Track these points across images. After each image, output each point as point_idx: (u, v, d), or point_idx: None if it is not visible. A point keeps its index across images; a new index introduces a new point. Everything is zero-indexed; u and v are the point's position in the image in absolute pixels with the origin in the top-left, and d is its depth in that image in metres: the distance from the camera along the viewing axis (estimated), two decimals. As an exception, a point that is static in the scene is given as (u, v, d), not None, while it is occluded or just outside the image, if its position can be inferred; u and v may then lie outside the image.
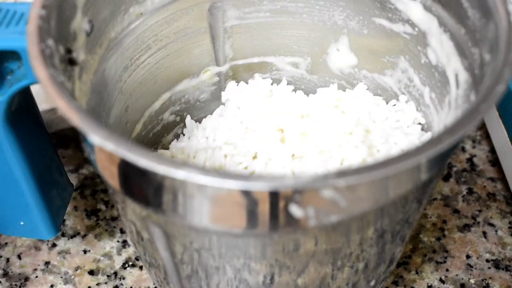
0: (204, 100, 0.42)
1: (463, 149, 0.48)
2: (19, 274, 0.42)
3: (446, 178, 0.46)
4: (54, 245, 0.43)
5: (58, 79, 0.26)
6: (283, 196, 0.24)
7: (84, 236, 0.43)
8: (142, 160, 0.23)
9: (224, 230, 0.27)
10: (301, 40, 0.41)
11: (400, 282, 0.41)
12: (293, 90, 0.41)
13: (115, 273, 0.41)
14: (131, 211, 0.30)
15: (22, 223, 0.36)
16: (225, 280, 0.31)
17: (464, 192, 0.46)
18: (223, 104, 0.41)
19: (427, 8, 0.34)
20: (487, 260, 0.42)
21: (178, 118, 0.42)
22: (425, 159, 0.24)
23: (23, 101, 0.32)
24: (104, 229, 0.44)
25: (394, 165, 0.23)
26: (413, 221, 0.32)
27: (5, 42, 0.29)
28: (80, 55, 0.30)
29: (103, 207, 0.45)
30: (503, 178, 0.46)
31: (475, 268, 0.42)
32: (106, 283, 0.41)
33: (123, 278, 0.41)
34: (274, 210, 0.25)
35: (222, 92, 0.41)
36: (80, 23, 0.31)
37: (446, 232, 0.43)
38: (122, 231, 0.43)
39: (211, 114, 0.41)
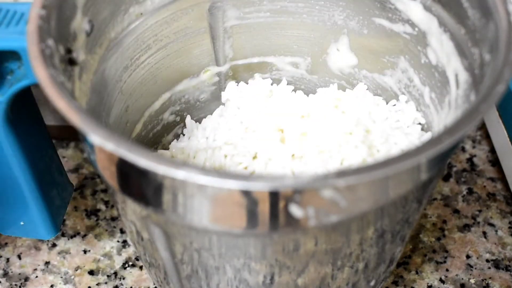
0: (204, 100, 0.42)
1: (463, 149, 0.48)
2: (19, 274, 0.42)
3: (446, 178, 0.46)
4: (54, 245, 0.43)
5: (58, 79, 0.26)
6: (283, 196, 0.24)
7: (84, 236, 0.43)
8: (142, 160, 0.23)
9: (224, 230, 0.27)
10: (301, 40, 0.41)
11: (400, 282, 0.41)
12: (293, 90, 0.41)
13: (115, 273, 0.41)
14: (131, 211, 0.30)
15: (22, 223, 0.36)
16: (225, 280, 0.31)
17: (464, 192, 0.46)
18: (223, 104, 0.41)
19: (427, 8, 0.34)
20: (487, 260, 0.42)
21: (178, 118, 0.42)
22: (425, 159, 0.24)
23: (23, 101, 0.32)
24: (104, 229, 0.44)
25: (394, 165, 0.23)
26: (413, 221, 0.32)
27: (5, 42, 0.29)
28: (80, 55, 0.30)
29: (103, 207, 0.45)
30: (503, 178, 0.46)
31: (475, 268, 0.42)
32: (106, 283, 0.41)
33: (123, 278, 0.41)
34: (274, 210, 0.25)
35: (222, 92, 0.41)
36: (80, 23, 0.31)
37: (446, 232, 0.43)
38: (122, 231, 0.43)
39: (211, 114, 0.41)
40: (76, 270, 0.42)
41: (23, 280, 0.41)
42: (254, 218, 0.25)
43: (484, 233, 0.43)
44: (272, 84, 0.41)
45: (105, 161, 0.27)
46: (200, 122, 0.41)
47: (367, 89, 0.40)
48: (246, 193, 0.24)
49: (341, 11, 0.38)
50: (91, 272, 0.42)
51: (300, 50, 0.41)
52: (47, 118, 0.40)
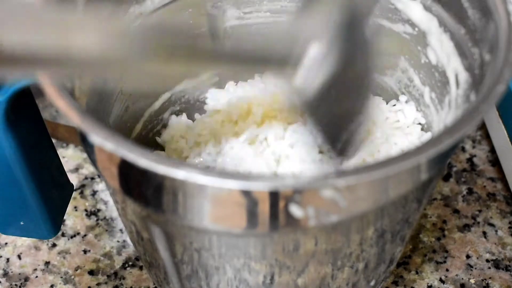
0: (204, 100, 0.42)
1: (463, 149, 0.48)
2: (19, 274, 0.41)
3: (446, 178, 0.46)
4: (54, 245, 0.43)
5: (58, 79, 0.26)
6: (283, 196, 0.24)
7: (84, 236, 0.43)
8: (142, 160, 0.23)
9: (224, 230, 0.27)
10: (301, 40, 0.41)
11: (400, 282, 0.41)
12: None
13: (115, 273, 0.41)
14: (131, 211, 0.30)
15: (22, 223, 0.36)
16: (225, 280, 0.31)
17: (464, 192, 0.46)
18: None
19: (427, 8, 0.34)
20: (487, 260, 0.42)
21: (178, 118, 0.42)
22: (425, 159, 0.24)
23: (23, 101, 0.32)
24: (104, 229, 0.44)
25: (394, 165, 0.23)
26: (413, 221, 0.32)
27: (5, 42, 0.29)
28: (80, 55, 0.30)
29: (103, 207, 0.45)
30: (503, 178, 0.46)
31: (475, 268, 0.42)
32: (106, 283, 0.41)
33: (123, 278, 0.41)
34: (274, 210, 0.25)
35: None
36: (80, 23, 0.31)
37: (446, 232, 0.43)
38: (122, 231, 0.43)
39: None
40: (76, 270, 0.42)
41: (23, 280, 0.41)
42: (254, 218, 0.25)
43: (484, 233, 0.43)
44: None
45: (105, 161, 0.27)
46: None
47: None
48: (246, 193, 0.24)
49: (341, 11, 0.38)
50: (91, 272, 0.42)
51: (300, 50, 0.41)
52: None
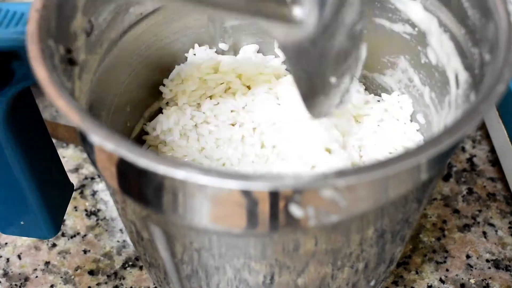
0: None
1: (463, 149, 0.48)
2: (19, 274, 0.41)
3: (446, 178, 0.46)
4: (54, 245, 0.43)
5: (58, 79, 0.26)
6: (283, 196, 0.24)
7: (84, 236, 0.43)
8: (142, 160, 0.23)
9: (224, 230, 0.27)
10: (301, 40, 0.41)
11: (400, 282, 0.41)
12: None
13: (115, 273, 0.41)
14: (131, 211, 0.30)
15: (22, 223, 0.36)
16: (225, 280, 0.31)
17: (464, 192, 0.46)
18: None
19: (427, 8, 0.34)
20: (487, 260, 0.42)
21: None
22: (425, 159, 0.24)
23: (23, 101, 0.32)
24: (104, 229, 0.44)
25: (394, 165, 0.23)
26: (413, 221, 0.32)
27: (5, 42, 0.29)
28: (80, 55, 0.30)
29: (103, 207, 0.45)
30: (503, 178, 0.46)
31: (475, 268, 0.42)
32: (106, 283, 0.41)
33: (123, 278, 0.41)
34: (274, 210, 0.25)
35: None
36: (80, 23, 0.31)
37: (446, 232, 0.43)
38: (122, 231, 0.43)
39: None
40: (76, 270, 0.42)
41: (23, 280, 0.41)
42: (254, 218, 0.25)
43: (484, 233, 0.43)
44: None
45: (105, 161, 0.27)
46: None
47: (365, 89, 0.41)
48: (246, 193, 0.24)
49: (341, 11, 0.38)
50: (91, 272, 0.42)
51: (300, 50, 0.41)
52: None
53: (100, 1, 0.32)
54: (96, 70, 0.32)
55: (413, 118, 0.38)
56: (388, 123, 0.38)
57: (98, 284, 0.41)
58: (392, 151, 0.37)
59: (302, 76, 0.30)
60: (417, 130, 0.38)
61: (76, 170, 0.47)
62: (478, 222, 0.44)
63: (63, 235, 0.43)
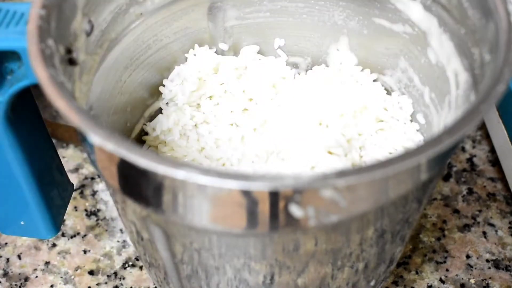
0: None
1: (463, 149, 0.48)
2: (19, 274, 0.41)
3: (446, 178, 0.46)
4: (54, 245, 0.43)
5: (58, 79, 0.26)
6: (283, 196, 0.24)
7: (84, 236, 0.43)
8: (142, 160, 0.23)
9: (224, 230, 0.27)
10: (301, 40, 0.41)
11: (400, 282, 0.41)
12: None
13: (115, 273, 0.41)
14: (131, 211, 0.30)
15: (22, 222, 0.36)
16: (225, 280, 0.31)
17: (464, 192, 0.46)
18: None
19: (427, 8, 0.34)
20: (487, 260, 0.42)
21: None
22: (425, 159, 0.24)
23: (23, 101, 0.32)
24: (104, 229, 0.44)
25: (394, 165, 0.23)
26: (413, 221, 0.32)
27: (5, 42, 0.29)
28: (80, 55, 0.30)
29: (103, 207, 0.45)
30: (503, 178, 0.46)
31: (475, 268, 0.42)
32: (106, 283, 0.41)
33: (123, 278, 0.41)
34: (274, 210, 0.25)
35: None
36: (80, 23, 0.31)
37: (446, 232, 0.43)
38: (122, 231, 0.43)
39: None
40: (76, 270, 0.42)
41: (23, 280, 0.41)
42: (254, 218, 0.25)
43: (484, 233, 0.43)
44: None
45: (105, 161, 0.27)
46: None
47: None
48: (246, 193, 0.24)
49: (341, 11, 0.38)
50: (91, 272, 0.42)
51: (300, 50, 0.41)
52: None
53: (100, 1, 0.32)
54: (96, 70, 0.32)
55: (413, 118, 0.38)
56: (388, 123, 0.38)
57: (98, 284, 0.41)
58: (392, 151, 0.37)
59: None
60: (417, 130, 0.38)
61: (76, 170, 0.47)
62: (478, 222, 0.44)
63: (63, 235, 0.43)
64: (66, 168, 0.37)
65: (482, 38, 0.30)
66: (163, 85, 0.39)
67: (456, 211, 0.45)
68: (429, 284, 0.41)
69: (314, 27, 0.40)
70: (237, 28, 0.40)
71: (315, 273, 0.31)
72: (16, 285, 0.41)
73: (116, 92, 0.36)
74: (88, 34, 0.31)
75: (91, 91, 0.32)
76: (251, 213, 0.25)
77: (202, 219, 0.26)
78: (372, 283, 0.35)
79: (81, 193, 0.46)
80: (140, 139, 0.39)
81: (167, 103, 0.39)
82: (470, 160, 0.48)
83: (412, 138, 0.37)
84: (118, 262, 0.42)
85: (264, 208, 0.25)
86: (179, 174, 0.23)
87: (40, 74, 0.26)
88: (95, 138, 0.24)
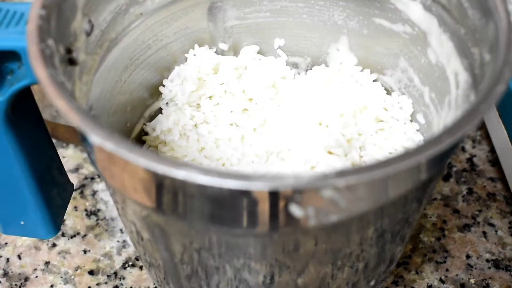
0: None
1: (463, 149, 0.48)
2: (19, 274, 0.42)
3: (446, 178, 0.46)
4: (54, 245, 0.43)
5: (58, 79, 0.26)
6: (283, 196, 0.24)
7: (84, 236, 0.43)
8: (142, 160, 0.23)
9: (224, 230, 0.27)
10: (301, 40, 0.41)
11: (400, 282, 0.41)
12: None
13: (115, 273, 0.41)
14: (131, 211, 0.30)
15: (22, 222, 0.36)
16: (225, 280, 0.31)
17: (464, 192, 0.46)
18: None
19: (427, 8, 0.34)
20: (487, 260, 0.42)
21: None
22: (425, 159, 0.24)
23: (23, 101, 0.32)
24: (104, 229, 0.44)
25: (394, 165, 0.23)
26: (413, 221, 0.32)
27: (5, 42, 0.29)
28: (80, 55, 0.30)
29: (103, 207, 0.45)
30: (503, 178, 0.46)
31: (475, 268, 0.42)
32: (106, 283, 0.41)
33: (123, 278, 0.41)
34: (274, 210, 0.25)
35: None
36: (80, 23, 0.31)
37: (446, 232, 0.43)
38: (122, 231, 0.43)
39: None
40: (76, 270, 0.42)
41: (23, 280, 0.41)
42: (254, 218, 0.25)
43: (484, 233, 0.43)
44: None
45: (105, 161, 0.27)
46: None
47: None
48: (246, 193, 0.24)
49: (341, 11, 0.38)
50: (91, 272, 0.42)
51: (300, 50, 0.41)
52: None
53: (100, 1, 0.32)
54: (96, 70, 0.32)
55: (413, 118, 0.38)
56: (388, 123, 0.38)
57: (98, 284, 0.41)
58: (392, 151, 0.37)
59: None
60: (417, 130, 0.38)
61: (76, 170, 0.47)
62: (478, 222, 0.44)
63: (63, 235, 0.43)
64: (66, 168, 0.37)
65: (482, 38, 0.30)
66: (163, 85, 0.40)
67: (456, 211, 0.45)
68: (429, 284, 0.41)
69: (314, 27, 0.40)
70: (237, 28, 0.40)
71: (315, 273, 0.31)
72: (16, 285, 0.41)
73: (116, 92, 0.36)
74: (88, 34, 0.31)
75: (91, 91, 0.32)
76: (251, 213, 0.25)
77: (202, 219, 0.26)
78: (372, 283, 0.35)
79: (81, 193, 0.46)
80: (140, 139, 0.39)
81: (167, 103, 0.39)
82: (470, 160, 0.48)
83: (412, 138, 0.37)
84: (118, 262, 0.42)
85: (264, 208, 0.25)
86: (179, 174, 0.23)
87: (40, 74, 0.26)
88: (95, 138, 0.24)
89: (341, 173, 0.23)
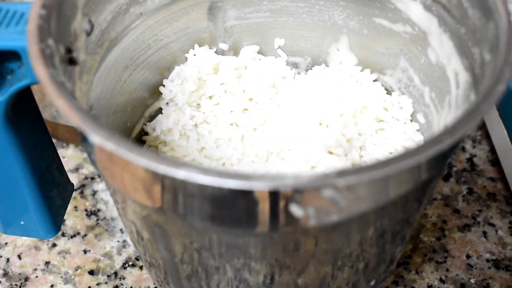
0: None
1: (463, 149, 0.48)
2: (19, 274, 0.41)
3: (446, 178, 0.46)
4: (54, 245, 0.43)
5: (59, 79, 0.26)
6: (283, 195, 0.24)
7: (84, 236, 0.43)
8: (142, 160, 0.23)
9: (224, 230, 0.27)
10: (301, 40, 0.41)
11: (400, 282, 0.41)
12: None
13: (115, 273, 0.41)
14: (131, 211, 0.30)
15: (22, 222, 0.36)
16: (225, 280, 0.31)
17: (464, 192, 0.46)
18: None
19: (427, 8, 0.34)
20: (487, 260, 0.42)
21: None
22: (426, 159, 0.24)
23: (23, 101, 0.32)
24: (104, 229, 0.44)
25: (394, 165, 0.23)
26: (413, 221, 0.32)
27: (5, 42, 0.29)
28: (80, 55, 0.30)
29: (103, 207, 0.45)
30: (503, 178, 0.46)
31: (475, 268, 0.42)
32: (106, 283, 0.41)
33: (123, 278, 0.41)
34: (274, 209, 0.25)
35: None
36: (80, 23, 0.31)
37: (446, 232, 0.43)
38: (122, 231, 0.43)
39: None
40: (76, 270, 0.42)
41: (23, 280, 0.41)
42: (254, 218, 0.25)
43: (484, 233, 0.43)
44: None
45: (105, 161, 0.27)
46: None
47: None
48: (246, 193, 0.24)
49: (341, 11, 0.38)
50: (91, 272, 0.42)
51: (300, 50, 0.41)
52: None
53: (100, 0, 0.32)
54: (96, 70, 0.32)
55: (413, 118, 0.38)
56: (388, 123, 0.38)
57: (98, 284, 0.41)
58: (392, 151, 0.37)
59: None
60: (417, 130, 0.38)
61: (76, 170, 0.47)
62: (478, 222, 0.44)
63: (63, 235, 0.43)
64: (66, 168, 0.37)
65: (482, 38, 0.30)
66: (163, 85, 0.40)
67: (456, 211, 0.45)
68: (429, 284, 0.41)
69: (314, 27, 0.40)
70: (237, 28, 0.40)
71: (315, 273, 0.31)
72: (16, 285, 0.41)
73: (116, 92, 0.36)
74: (88, 33, 0.31)
75: (91, 91, 0.32)
76: (251, 213, 0.25)
77: (202, 219, 0.26)
78: (372, 283, 0.35)
79: (81, 193, 0.46)
80: (140, 139, 0.39)
81: (167, 103, 0.39)
82: (470, 160, 0.48)
83: (412, 138, 0.37)
84: (118, 262, 0.42)
85: (264, 207, 0.25)
86: (179, 174, 0.23)
87: (40, 74, 0.26)
88: (95, 138, 0.24)
89: (342, 173, 0.23)
